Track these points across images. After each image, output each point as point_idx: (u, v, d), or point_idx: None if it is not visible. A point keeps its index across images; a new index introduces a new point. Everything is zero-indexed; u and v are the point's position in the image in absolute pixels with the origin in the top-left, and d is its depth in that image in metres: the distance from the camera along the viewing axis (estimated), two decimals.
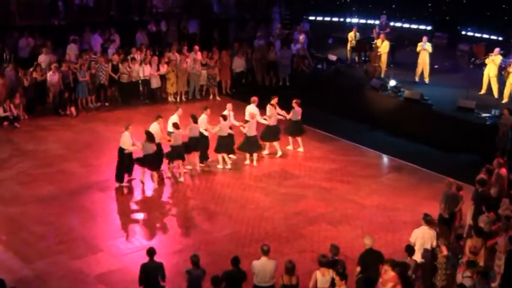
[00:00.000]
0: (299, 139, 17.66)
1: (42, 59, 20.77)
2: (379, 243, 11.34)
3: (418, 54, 20.87)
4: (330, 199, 14.93)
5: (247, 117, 16.73)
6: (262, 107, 17.14)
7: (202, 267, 10.08)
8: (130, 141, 15.01)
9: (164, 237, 13.22)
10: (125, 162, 15.15)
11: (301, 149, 17.64)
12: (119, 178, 15.15)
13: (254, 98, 16.96)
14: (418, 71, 21.02)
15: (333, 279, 9.68)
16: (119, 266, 11.94)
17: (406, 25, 27.39)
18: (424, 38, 20.75)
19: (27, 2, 24.00)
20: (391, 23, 24.96)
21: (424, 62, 20.79)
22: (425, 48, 20.57)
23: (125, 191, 15.13)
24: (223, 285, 9.72)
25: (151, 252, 10.19)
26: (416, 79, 21.07)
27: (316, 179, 16.04)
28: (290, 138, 17.70)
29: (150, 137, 14.85)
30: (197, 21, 25.99)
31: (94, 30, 23.47)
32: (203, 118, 16.09)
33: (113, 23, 24.59)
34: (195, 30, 25.92)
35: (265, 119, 16.92)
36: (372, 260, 10.55)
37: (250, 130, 16.46)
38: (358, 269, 10.48)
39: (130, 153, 15.13)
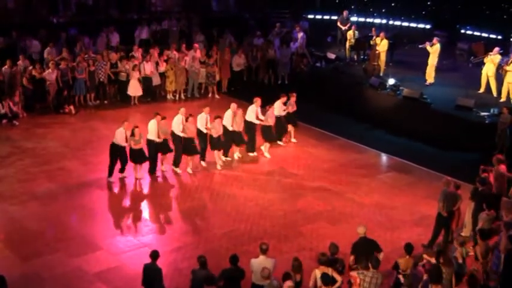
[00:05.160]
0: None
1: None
2: (378, 241, 11.32)
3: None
4: (329, 197, 14.94)
5: (248, 118, 16.83)
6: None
7: (208, 269, 9.97)
8: (123, 136, 15.10)
9: (163, 235, 13.21)
10: (118, 158, 15.26)
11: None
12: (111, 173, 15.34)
13: (256, 99, 17.05)
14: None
15: (332, 277, 9.70)
16: (118, 263, 11.94)
17: (405, 23, 27.43)
18: (435, 39, 20.32)
19: (26, 0, 24.01)
20: (390, 22, 25.04)
21: (428, 61, 20.64)
22: (427, 48, 20.41)
23: (115, 186, 15.22)
24: (222, 284, 9.74)
25: (154, 255, 10.15)
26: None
27: (314, 177, 16.05)
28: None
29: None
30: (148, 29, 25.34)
31: (95, 29, 23.45)
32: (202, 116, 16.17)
33: (111, 22, 24.56)
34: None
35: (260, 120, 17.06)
36: (365, 248, 10.58)
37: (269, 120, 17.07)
38: (352, 258, 10.50)
39: (124, 149, 15.19)
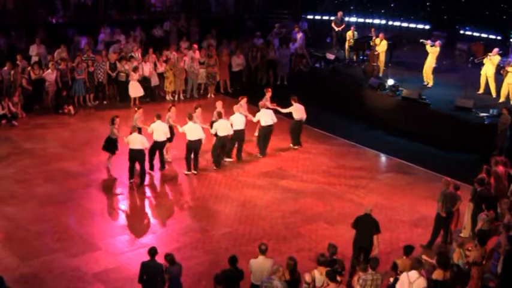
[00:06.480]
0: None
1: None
2: (376, 241, 11.34)
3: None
4: (328, 198, 14.95)
5: (266, 123, 16.96)
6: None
7: (178, 262, 10.18)
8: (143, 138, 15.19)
9: (162, 236, 13.21)
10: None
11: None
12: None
13: (262, 103, 17.18)
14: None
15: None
16: (117, 264, 11.94)
17: (404, 24, 27.44)
18: (437, 42, 20.40)
19: (25, 1, 23.95)
20: (390, 22, 24.96)
21: (425, 63, 20.61)
22: (427, 47, 20.38)
23: (114, 187, 15.36)
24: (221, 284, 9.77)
25: (152, 251, 10.18)
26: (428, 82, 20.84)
27: (314, 177, 16.05)
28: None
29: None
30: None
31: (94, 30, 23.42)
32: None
33: (111, 22, 24.51)
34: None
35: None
36: (365, 225, 10.95)
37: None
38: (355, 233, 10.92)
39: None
